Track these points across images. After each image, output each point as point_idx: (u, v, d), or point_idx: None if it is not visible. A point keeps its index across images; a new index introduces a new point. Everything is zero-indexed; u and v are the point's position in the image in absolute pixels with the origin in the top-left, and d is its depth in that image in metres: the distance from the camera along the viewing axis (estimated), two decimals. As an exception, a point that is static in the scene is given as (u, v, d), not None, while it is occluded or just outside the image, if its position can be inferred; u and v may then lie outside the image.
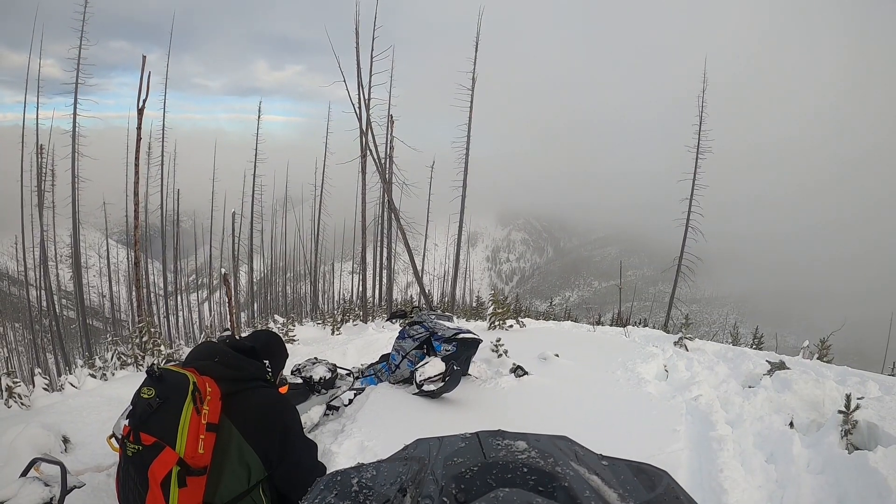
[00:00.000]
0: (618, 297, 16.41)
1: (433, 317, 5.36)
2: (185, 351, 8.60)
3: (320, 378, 4.87)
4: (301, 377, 4.85)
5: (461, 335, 4.96)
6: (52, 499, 2.17)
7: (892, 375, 6.17)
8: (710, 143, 18.20)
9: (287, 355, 2.51)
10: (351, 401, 4.73)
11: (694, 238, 18.12)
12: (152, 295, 26.00)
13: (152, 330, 7.36)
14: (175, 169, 25.51)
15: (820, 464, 3.42)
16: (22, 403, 4.89)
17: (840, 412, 3.66)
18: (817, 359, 6.44)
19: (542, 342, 7.09)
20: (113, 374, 6.51)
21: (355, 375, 5.46)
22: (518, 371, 5.39)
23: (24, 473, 2.29)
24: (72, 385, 5.59)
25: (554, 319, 13.94)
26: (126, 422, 1.90)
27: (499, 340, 5.76)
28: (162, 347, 7.29)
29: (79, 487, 2.36)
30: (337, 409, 4.66)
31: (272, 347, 2.36)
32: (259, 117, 25.07)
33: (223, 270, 14.72)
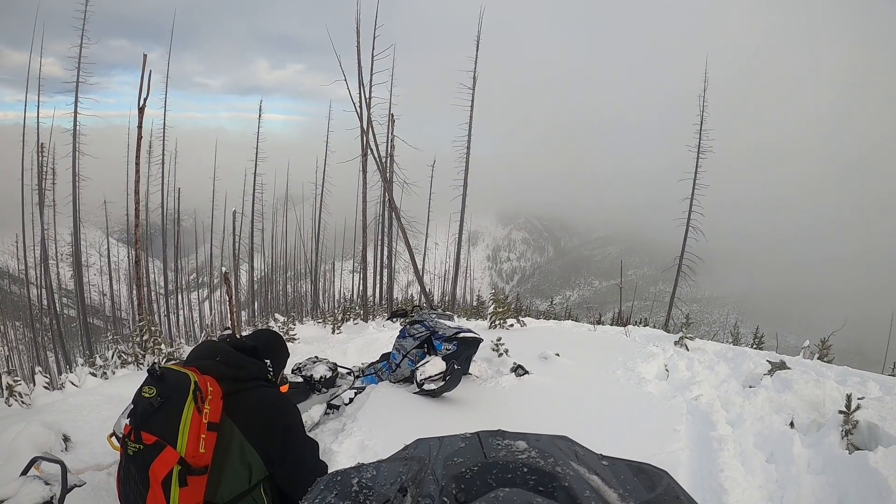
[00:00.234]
0: (618, 297, 16.40)
1: (434, 316, 5.36)
2: (186, 350, 8.61)
3: (321, 377, 4.87)
4: (302, 376, 4.86)
5: (462, 334, 4.96)
6: (52, 497, 2.17)
7: (893, 375, 6.17)
8: (710, 143, 18.19)
9: (288, 355, 2.51)
10: (351, 400, 4.73)
11: (695, 238, 18.11)
12: (153, 293, 25.99)
13: (153, 328, 7.36)
14: (176, 167, 25.52)
15: (820, 464, 3.42)
16: (22, 402, 4.90)
17: (840, 412, 3.66)
18: (818, 359, 6.44)
19: (542, 341, 7.09)
20: (113, 373, 6.51)
21: (356, 374, 5.47)
22: (519, 370, 5.39)
23: (25, 472, 2.29)
24: (72, 383, 5.59)
25: (554, 319, 13.92)
26: (127, 421, 1.90)
27: (499, 339, 5.76)
28: (162, 346, 7.29)
29: (79, 486, 2.36)
30: (337, 407, 4.66)
31: (273, 347, 2.36)
32: (260, 116, 25.07)
33: (224, 269, 14.73)
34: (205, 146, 34.96)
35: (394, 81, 18.62)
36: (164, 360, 6.87)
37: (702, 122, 18.14)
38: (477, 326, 8.92)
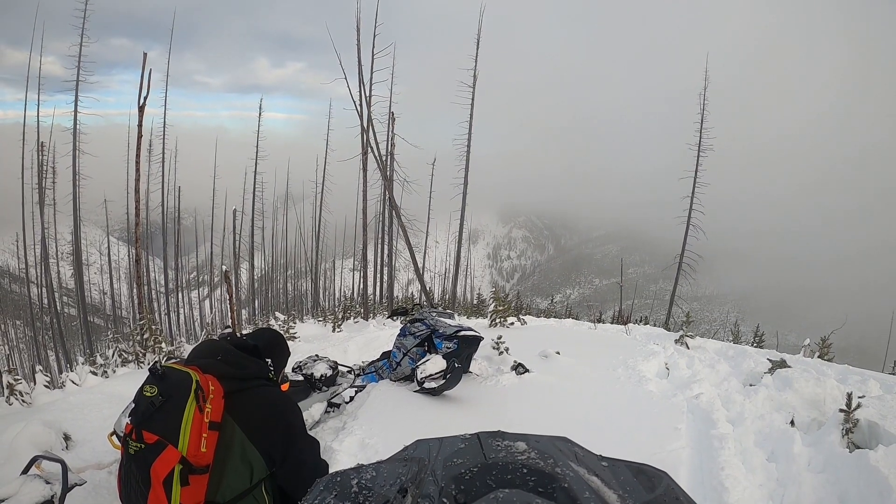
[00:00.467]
0: (619, 295, 16.40)
1: (434, 314, 5.36)
2: (187, 348, 8.61)
3: (321, 375, 4.88)
4: (302, 374, 4.86)
5: (462, 332, 4.96)
6: (53, 496, 2.17)
7: (893, 374, 6.18)
8: (711, 141, 18.18)
9: (289, 354, 2.51)
10: (352, 398, 4.74)
11: (695, 236, 18.11)
12: (153, 292, 26.01)
13: (153, 327, 7.36)
14: (176, 166, 25.54)
15: (821, 462, 3.42)
16: (23, 401, 4.90)
17: (841, 411, 3.66)
18: (818, 357, 6.44)
19: (543, 340, 7.09)
20: (114, 372, 6.52)
21: (356, 373, 5.47)
22: (519, 369, 5.39)
23: (26, 471, 2.29)
24: (73, 382, 5.60)
25: (555, 317, 13.93)
26: (128, 420, 1.90)
27: (500, 338, 5.76)
28: (163, 345, 7.29)
29: (80, 485, 2.37)
30: (338, 406, 4.66)
31: (275, 346, 2.36)
32: (260, 114, 25.07)
33: (224, 268, 14.74)
34: (205, 145, 34.97)
35: (394, 80, 18.63)
36: (165, 358, 6.88)
37: (702, 121, 18.14)
38: (477, 325, 8.92)
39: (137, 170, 11.98)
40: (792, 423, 4.15)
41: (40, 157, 19.97)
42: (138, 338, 7.28)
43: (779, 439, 3.80)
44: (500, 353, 5.64)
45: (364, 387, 4.95)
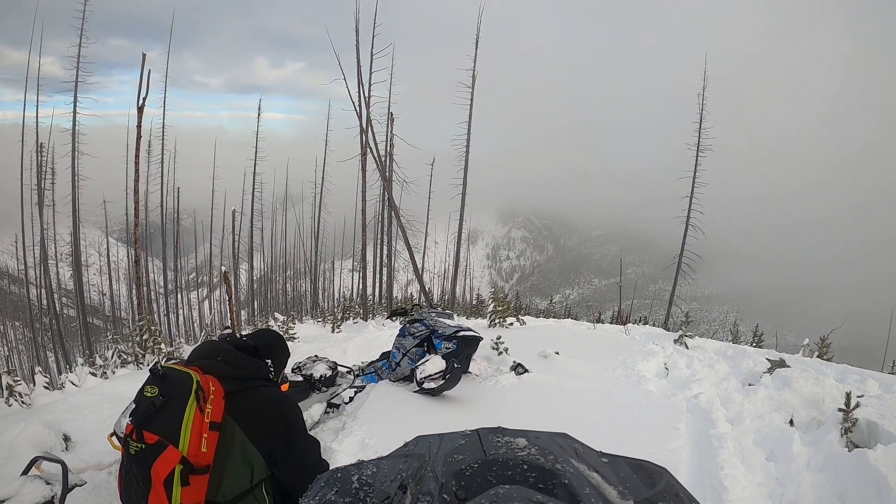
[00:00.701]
0: (618, 295, 16.41)
1: (434, 314, 5.36)
2: (186, 349, 8.60)
3: (321, 376, 4.87)
4: (301, 375, 4.86)
5: (462, 333, 4.96)
6: (53, 497, 2.17)
7: (892, 373, 6.18)
8: (710, 141, 18.19)
9: (289, 354, 2.52)
10: (352, 398, 4.74)
11: (694, 235, 18.12)
12: (152, 293, 25.99)
13: (153, 328, 7.36)
14: (175, 167, 25.53)
15: (820, 462, 3.42)
16: (23, 402, 4.90)
17: (840, 410, 3.66)
18: (817, 356, 6.44)
19: (542, 340, 7.09)
20: (113, 373, 6.51)
21: (356, 373, 5.47)
22: (518, 369, 5.40)
23: (26, 472, 2.29)
24: (72, 383, 5.60)
25: (554, 317, 13.94)
26: (129, 420, 1.90)
27: (499, 338, 5.76)
28: (162, 345, 7.29)
29: (80, 486, 2.37)
30: (337, 406, 4.66)
31: (275, 347, 2.36)
32: (259, 115, 25.09)
33: (223, 268, 14.73)
34: (204, 145, 34.94)
35: (393, 80, 18.60)
36: (164, 359, 6.87)
37: (701, 121, 18.15)
38: (477, 325, 8.93)
39: (136, 170, 11.99)
40: (791, 422, 4.15)
41: (39, 158, 19.94)
42: (137, 339, 7.27)
43: (778, 439, 3.80)
44: (500, 353, 5.64)
45: (363, 387, 4.95)
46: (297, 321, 12.28)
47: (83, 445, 3.93)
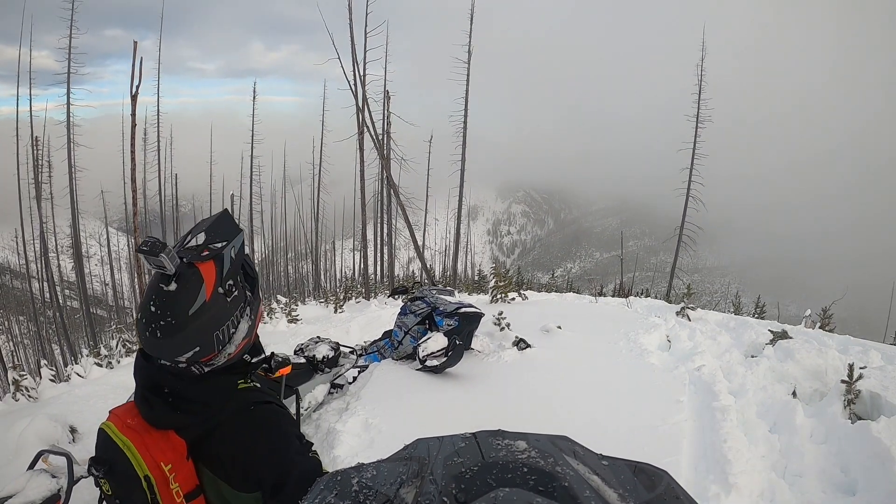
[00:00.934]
0: (620, 268, 16.46)
1: (435, 292, 5.37)
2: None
3: (323, 357, 4.88)
4: (304, 356, 4.88)
5: (463, 309, 4.97)
6: (59, 490, 2.18)
7: (895, 344, 6.18)
8: (709, 112, 18.10)
9: (240, 236, 1.56)
10: (355, 378, 4.77)
11: (695, 207, 18.10)
12: (154, 280, 26.02)
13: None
14: (172, 154, 25.54)
15: (823, 433, 3.44)
16: (29, 396, 4.93)
17: (843, 382, 3.67)
18: (819, 328, 6.45)
19: (544, 314, 7.11)
20: (118, 362, 6.56)
21: (358, 353, 5.49)
22: (521, 344, 5.41)
23: (32, 466, 2.30)
24: (78, 375, 5.64)
25: (556, 291, 13.95)
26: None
27: (501, 314, 5.76)
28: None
29: (86, 478, 2.38)
30: (341, 387, 4.69)
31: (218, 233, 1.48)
32: (254, 98, 24.90)
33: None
34: (201, 131, 34.79)
35: (389, 58, 18.55)
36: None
37: (700, 91, 18.04)
38: (478, 301, 8.94)
39: (133, 159, 11.95)
40: (794, 394, 4.17)
41: (35, 152, 19.88)
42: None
43: (781, 411, 3.82)
44: (502, 328, 5.65)
45: (366, 367, 4.97)
46: (299, 303, 12.33)
47: (90, 436, 3.95)
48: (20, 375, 4.97)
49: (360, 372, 4.86)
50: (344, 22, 14.96)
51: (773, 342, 5.30)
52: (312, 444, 1.81)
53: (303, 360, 4.80)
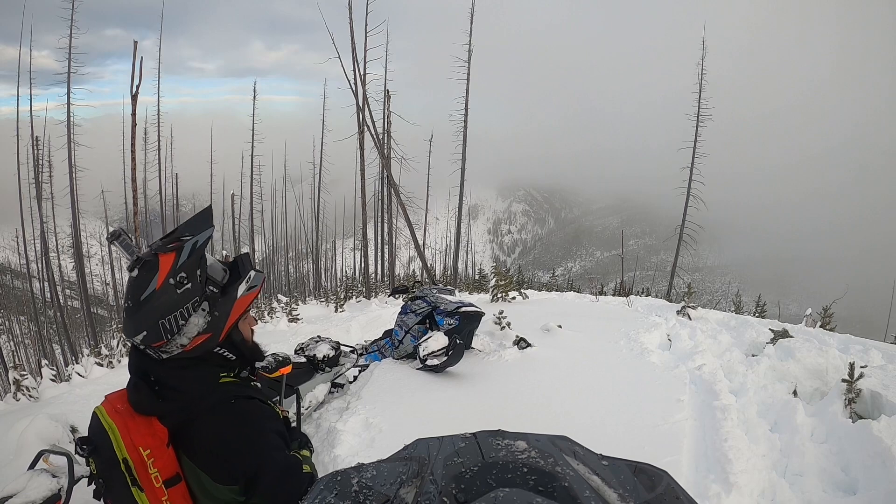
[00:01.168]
0: (620, 267, 16.44)
1: (435, 291, 5.36)
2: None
3: (324, 356, 4.88)
4: (305, 356, 4.88)
5: (464, 308, 4.96)
6: (60, 489, 2.18)
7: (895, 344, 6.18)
8: (710, 111, 18.09)
9: (211, 230, 1.67)
10: (355, 378, 4.76)
11: (695, 206, 18.09)
12: (155, 279, 25.98)
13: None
14: (173, 153, 25.55)
15: (824, 433, 3.44)
16: (30, 395, 4.93)
17: (843, 381, 3.67)
18: (820, 327, 6.44)
19: (544, 313, 7.10)
20: (119, 361, 6.56)
21: (359, 352, 5.49)
22: (521, 343, 5.40)
23: (32, 466, 2.30)
24: (79, 374, 5.65)
25: (556, 290, 13.96)
26: None
27: (501, 313, 5.75)
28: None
29: (87, 477, 2.38)
30: (342, 386, 4.69)
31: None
32: (255, 97, 24.89)
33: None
34: (201, 130, 34.78)
35: (390, 58, 18.51)
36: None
37: (700, 90, 18.04)
38: (479, 300, 8.94)
39: (133, 159, 11.97)
40: (794, 393, 4.17)
41: (35, 152, 19.93)
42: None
43: (781, 410, 3.81)
44: (502, 327, 5.64)
45: (367, 366, 4.97)
46: (300, 302, 12.34)
47: (91, 436, 3.94)
48: (21, 375, 4.97)
49: (360, 371, 4.85)
50: (344, 21, 14.99)
51: (773, 341, 5.30)
52: (308, 440, 1.85)
53: (303, 360, 4.80)
